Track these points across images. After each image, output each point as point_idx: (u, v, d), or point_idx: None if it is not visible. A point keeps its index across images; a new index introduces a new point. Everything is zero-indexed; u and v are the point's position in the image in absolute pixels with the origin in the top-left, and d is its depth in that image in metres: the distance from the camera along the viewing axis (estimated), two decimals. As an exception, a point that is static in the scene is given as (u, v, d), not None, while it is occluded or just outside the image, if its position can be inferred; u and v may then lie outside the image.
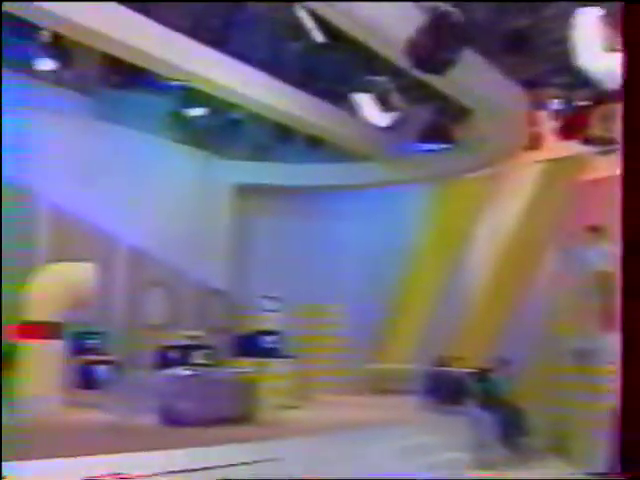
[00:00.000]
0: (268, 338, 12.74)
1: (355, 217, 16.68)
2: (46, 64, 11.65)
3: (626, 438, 4.14)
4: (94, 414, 9.66)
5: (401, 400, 13.18)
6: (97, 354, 12.29)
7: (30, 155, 12.23)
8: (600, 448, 10.08)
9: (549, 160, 14.35)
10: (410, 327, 15.91)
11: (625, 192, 3.95)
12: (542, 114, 13.26)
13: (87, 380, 11.70)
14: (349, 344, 15.17)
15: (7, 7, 9.60)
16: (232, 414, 9.17)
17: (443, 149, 15.20)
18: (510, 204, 14.96)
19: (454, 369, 10.69)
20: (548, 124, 13.10)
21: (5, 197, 11.42)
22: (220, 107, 14.28)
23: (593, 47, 8.11)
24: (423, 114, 14.72)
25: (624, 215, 3.99)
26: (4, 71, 10.78)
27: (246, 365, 11.41)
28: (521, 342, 12.95)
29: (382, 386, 15.23)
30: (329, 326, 15.41)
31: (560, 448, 11.71)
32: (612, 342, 9.66)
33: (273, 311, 13.50)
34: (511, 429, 10.83)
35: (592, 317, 12.07)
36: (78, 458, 6.22)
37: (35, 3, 9.60)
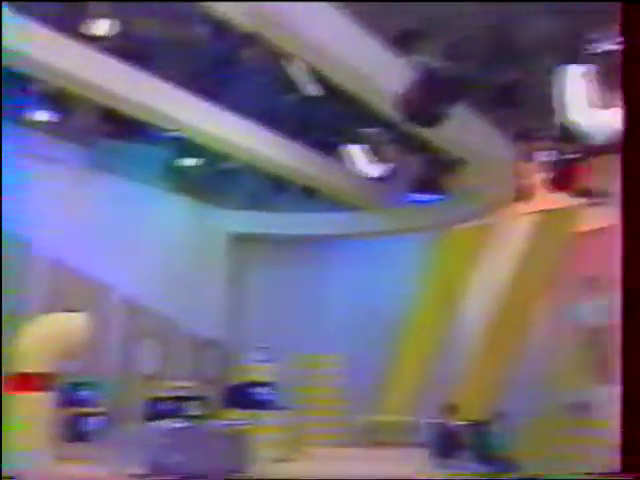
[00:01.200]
0: (261, 389, 12.60)
1: (350, 266, 16.68)
2: (42, 115, 11.84)
3: (626, 438, 4.13)
4: (86, 467, 9.52)
5: (397, 453, 12.99)
6: (89, 405, 12.15)
7: (26, 205, 12.30)
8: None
9: (541, 211, 14.46)
10: (408, 378, 15.74)
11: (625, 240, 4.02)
12: (533, 166, 13.39)
13: (78, 432, 11.54)
14: (345, 395, 15.00)
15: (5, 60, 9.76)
16: (224, 467, 9.04)
17: (435, 200, 15.29)
18: (503, 255, 15.01)
19: (451, 422, 10.52)
20: (539, 176, 13.23)
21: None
22: (215, 157, 14.41)
23: (581, 103, 8.24)
24: (415, 165, 14.86)
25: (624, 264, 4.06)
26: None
27: (238, 417, 11.28)
28: (518, 395, 12.82)
29: (378, 438, 15.02)
30: (324, 377, 15.25)
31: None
32: (608, 395, 9.60)
33: (266, 361, 13.38)
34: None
35: (588, 370, 11.99)
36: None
37: (31, 55, 9.77)
